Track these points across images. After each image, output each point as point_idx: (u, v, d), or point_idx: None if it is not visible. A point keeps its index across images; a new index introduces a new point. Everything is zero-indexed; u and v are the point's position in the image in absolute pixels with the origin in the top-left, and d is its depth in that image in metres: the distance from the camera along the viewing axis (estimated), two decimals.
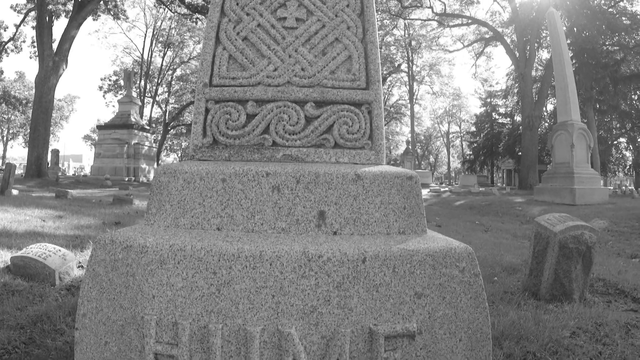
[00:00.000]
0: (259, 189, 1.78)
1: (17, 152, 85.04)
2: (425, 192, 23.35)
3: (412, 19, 40.48)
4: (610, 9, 31.03)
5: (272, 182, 1.78)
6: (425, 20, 39.90)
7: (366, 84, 2.08)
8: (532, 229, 3.52)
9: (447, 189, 26.15)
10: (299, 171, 1.79)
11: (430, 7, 34.99)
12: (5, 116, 59.09)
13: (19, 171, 52.12)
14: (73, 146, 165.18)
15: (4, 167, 55.82)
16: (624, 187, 47.98)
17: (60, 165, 45.65)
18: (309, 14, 2.17)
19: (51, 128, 34.68)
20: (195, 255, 1.55)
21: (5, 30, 35.81)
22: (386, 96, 56.06)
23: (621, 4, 31.64)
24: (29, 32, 34.41)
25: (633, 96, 36.22)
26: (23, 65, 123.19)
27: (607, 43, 32.30)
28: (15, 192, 12.12)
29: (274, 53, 2.09)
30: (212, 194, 1.79)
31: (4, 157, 64.90)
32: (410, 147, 41.96)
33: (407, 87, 52.47)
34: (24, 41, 35.26)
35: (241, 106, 2.01)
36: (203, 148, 2.00)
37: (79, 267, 4.10)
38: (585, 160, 15.22)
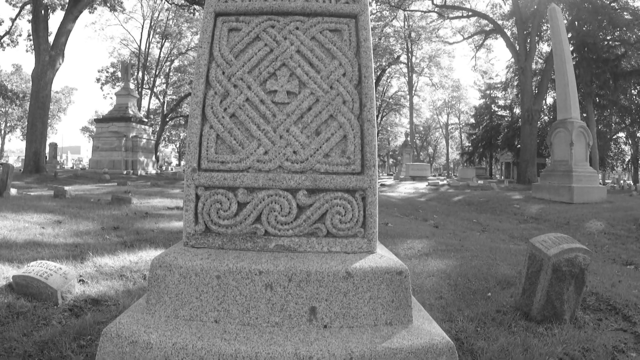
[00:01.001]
0: (252, 286, 1.82)
1: (15, 145, 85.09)
2: (423, 185, 23.43)
3: (412, 10, 40.16)
4: (612, 4, 30.84)
5: (265, 280, 1.81)
6: (425, 12, 39.59)
7: (361, 167, 2.00)
8: (527, 250, 3.54)
9: (445, 182, 26.17)
10: (290, 269, 1.81)
11: None
12: (2, 109, 58.87)
13: (17, 164, 52.16)
14: (71, 138, 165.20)
15: (1, 161, 55.91)
16: (622, 182, 48.18)
17: (58, 158, 45.63)
18: (302, 86, 2.06)
19: (49, 121, 34.54)
20: (196, 354, 1.62)
21: (0, 24, 35.59)
22: (385, 87, 55.93)
23: None
24: (25, 25, 34.07)
25: (633, 91, 36.13)
26: (20, 58, 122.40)
27: (608, 38, 32.15)
28: (13, 191, 12.09)
29: (264, 134, 2.00)
30: (207, 290, 1.83)
31: (1, 150, 64.82)
32: (408, 139, 41.88)
33: (406, 78, 52.19)
34: (20, 35, 34.98)
35: (232, 194, 1.97)
36: (196, 235, 1.99)
37: (80, 281, 4.12)
38: (584, 159, 15.20)
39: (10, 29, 33.18)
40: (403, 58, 48.73)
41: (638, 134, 41.92)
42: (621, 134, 44.42)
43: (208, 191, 1.99)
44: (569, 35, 26.34)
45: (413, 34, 44.90)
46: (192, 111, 2.03)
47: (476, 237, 8.00)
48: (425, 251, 5.39)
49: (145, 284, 4.05)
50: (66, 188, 14.56)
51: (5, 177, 11.56)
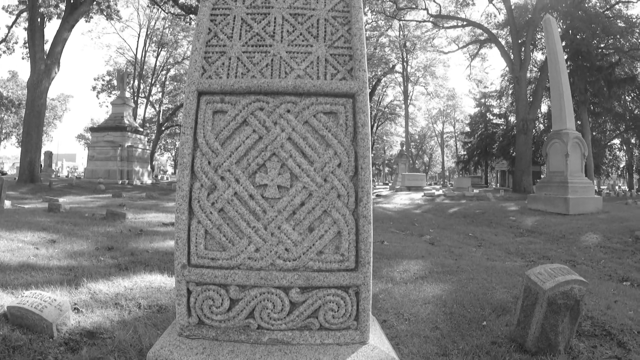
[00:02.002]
0: None
1: (10, 152, 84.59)
2: (419, 196, 23.42)
3: (407, 20, 40.40)
4: (606, 12, 31.15)
5: None
6: (420, 22, 39.85)
7: (355, 264, 1.93)
8: (522, 283, 3.54)
9: (441, 192, 26.18)
10: None
11: (425, 8, 34.96)
12: None
13: (12, 171, 52.02)
14: (67, 145, 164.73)
15: None
16: (617, 187, 48.42)
17: (53, 167, 45.49)
18: (294, 179, 1.93)
19: (44, 128, 34.48)
20: None
21: None
22: (380, 97, 56.03)
23: (616, 7, 31.75)
24: (21, 33, 34.14)
25: (627, 98, 36.42)
26: (16, 64, 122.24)
27: (602, 46, 32.44)
28: (7, 203, 12.04)
29: (254, 231, 1.91)
30: None
31: None
32: (404, 149, 41.97)
33: (402, 87, 52.40)
34: (16, 42, 34.99)
35: (224, 290, 1.92)
36: (190, 327, 1.94)
37: (74, 309, 4.09)
38: (579, 170, 15.26)
39: (7, 36, 33.19)
40: (398, 67, 48.93)
41: (632, 141, 42.20)
42: (616, 141, 44.69)
43: (199, 287, 1.93)
44: (563, 43, 26.50)
45: (408, 44, 45.11)
46: (179, 205, 1.94)
47: (472, 253, 7.99)
48: (421, 274, 5.38)
49: (140, 313, 4.02)
50: (60, 200, 14.54)
51: None
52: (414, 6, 35.71)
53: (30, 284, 4.60)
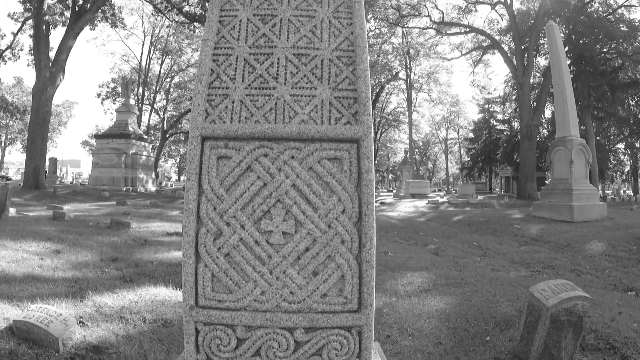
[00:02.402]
0: None
1: (15, 157, 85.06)
2: (423, 203, 23.36)
3: (410, 27, 40.50)
4: (608, 16, 31.14)
5: None
6: (423, 29, 39.95)
7: (358, 305, 1.96)
8: (526, 299, 3.55)
9: (445, 199, 26.12)
10: None
11: (428, 15, 35.01)
12: (3, 122, 59.14)
13: (17, 177, 52.29)
14: (71, 151, 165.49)
15: (1, 173, 55.65)
16: (622, 192, 48.22)
17: (58, 173, 45.67)
18: (298, 225, 1.94)
19: (49, 134, 34.65)
20: None
21: (2, 38, 35.92)
22: (384, 104, 56.01)
23: (619, 11, 31.76)
24: (26, 40, 34.49)
25: (630, 102, 36.35)
26: (21, 71, 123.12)
27: (604, 50, 32.45)
28: (12, 210, 12.10)
29: (260, 275, 1.94)
30: None
31: (1, 162, 64.98)
32: (408, 156, 41.84)
33: (405, 94, 52.37)
34: (21, 49, 35.34)
35: (231, 330, 1.95)
36: None
37: (79, 323, 4.11)
38: (583, 176, 15.22)
39: (12, 43, 33.50)
40: (402, 74, 48.89)
41: (637, 145, 42.05)
42: (620, 145, 44.55)
43: (207, 327, 1.96)
44: (566, 48, 26.50)
45: (411, 51, 45.09)
46: (185, 250, 1.95)
47: (476, 264, 7.98)
48: (425, 287, 5.38)
49: (145, 327, 4.03)
50: (65, 208, 14.62)
51: (3, 199, 11.57)
52: (416, 13, 35.78)
53: (36, 296, 4.62)
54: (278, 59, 2.11)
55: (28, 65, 32.59)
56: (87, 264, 6.31)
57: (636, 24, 31.01)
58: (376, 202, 26.70)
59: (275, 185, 1.95)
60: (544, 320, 3.24)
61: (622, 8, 31.70)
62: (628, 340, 4.07)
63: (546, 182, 37.22)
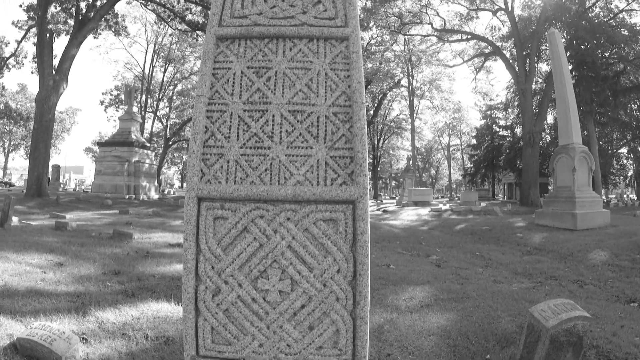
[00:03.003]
0: None
1: (19, 163, 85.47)
2: (426, 211, 23.31)
3: (412, 35, 40.63)
4: (610, 21, 31.18)
5: None
6: (425, 36, 40.10)
7: (352, 356, 1.99)
8: (527, 314, 3.54)
9: (447, 207, 26.06)
10: None
11: (430, 23, 35.15)
12: (6, 128, 59.52)
13: (20, 183, 52.51)
14: (74, 158, 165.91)
15: (5, 179, 55.86)
16: (625, 196, 48.04)
17: (61, 179, 45.85)
18: (294, 284, 1.97)
19: (52, 141, 34.81)
20: None
21: (6, 46, 36.21)
22: (386, 111, 56.07)
23: (620, 15, 31.78)
24: (30, 47, 34.82)
25: (633, 106, 36.31)
26: (26, 77, 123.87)
27: (606, 55, 32.46)
28: (15, 219, 12.15)
29: (257, 330, 1.98)
30: None
31: (5, 168, 65.30)
32: (410, 163, 41.79)
33: (407, 101, 52.44)
34: (25, 57, 35.63)
35: None
36: None
37: (82, 339, 4.12)
38: (586, 184, 15.19)
39: (16, 50, 33.79)
40: (404, 82, 49.01)
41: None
42: (623, 150, 44.48)
43: None
44: (568, 54, 26.52)
45: (413, 58, 45.22)
46: (185, 306, 1.99)
47: (479, 275, 7.96)
48: (426, 302, 5.37)
49: (147, 344, 4.04)
50: (67, 217, 14.67)
51: (6, 209, 11.62)
52: (418, 21, 35.89)
53: (39, 311, 4.64)
54: (273, 116, 2.10)
55: (32, 72, 32.85)
56: (89, 277, 6.32)
57: (637, 28, 31.01)
58: (379, 210, 26.84)
59: (272, 247, 1.97)
60: (543, 341, 3.24)
61: (623, 12, 31.74)
62: (629, 355, 4.06)
63: (549, 187, 37.17)
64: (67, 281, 6.09)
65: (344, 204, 2.00)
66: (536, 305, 3.53)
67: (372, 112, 50.28)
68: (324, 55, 2.19)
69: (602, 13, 32.33)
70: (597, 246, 11.07)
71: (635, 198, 42.86)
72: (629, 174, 47.48)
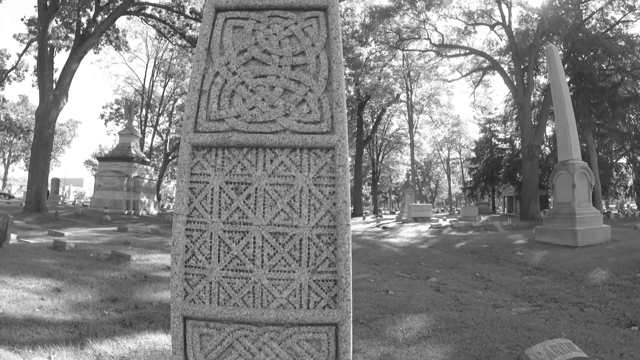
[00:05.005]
0: None
1: (18, 174, 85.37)
2: (425, 228, 23.26)
3: (410, 50, 40.95)
4: (607, 32, 31.36)
5: None
6: (423, 51, 40.34)
7: None
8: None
9: (447, 222, 25.99)
10: None
11: (428, 38, 35.35)
12: (7, 139, 59.70)
13: (20, 194, 52.48)
14: (74, 170, 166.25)
15: (4, 190, 55.83)
16: (625, 207, 47.98)
17: (61, 192, 45.81)
18: None
19: (52, 153, 34.81)
20: None
21: (7, 59, 36.41)
22: (385, 126, 56.20)
23: (617, 26, 31.97)
24: (31, 61, 34.95)
25: (631, 116, 36.44)
26: (27, 89, 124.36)
27: (604, 66, 32.64)
28: (13, 237, 12.13)
29: None
30: None
31: (4, 179, 65.35)
32: (410, 179, 41.78)
33: (406, 116, 52.52)
34: (26, 70, 35.80)
35: None
36: None
37: None
38: (586, 199, 15.15)
39: (17, 64, 33.90)
40: (403, 96, 49.11)
41: (639, 158, 42.02)
42: (622, 160, 44.55)
43: None
44: (565, 66, 26.62)
45: (412, 73, 45.43)
46: None
47: (478, 299, 7.92)
48: (424, 333, 5.33)
49: None
50: (65, 235, 14.66)
51: (4, 228, 11.58)
52: (416, 36, 36.11)
53: (37, 342, 4.61)
54: (254, 238, 2.05)
55: (33, 85, 33.04)
56: (87, 305, 6.29)
57: (634, 38, 31.19)
58: (378, 226, 26.78)
59: None
60: None
61: (620, 24, 31.91)
62: None
63: (549, 199, 37.16)
64: (65, 309, 6.05)
65: (327, 325, 2.00)
66: (532, 347, 3.52)
67: (371, 127, 50.39)
68: (308, 169, 2.09)
69: (598, 25, 32.55)
70: (597, 264, 11.02)
71: (636, 208, 42.85)
72: (629, 184, 47.45)
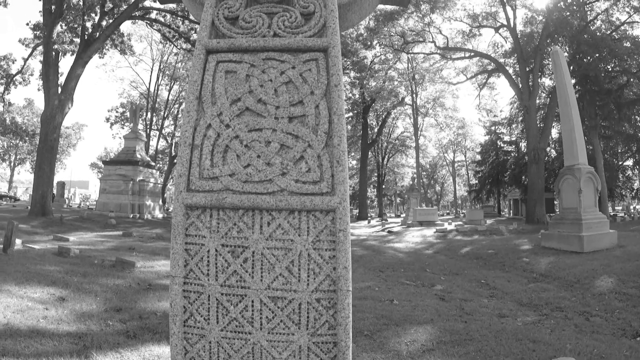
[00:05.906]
0: None
1: (24, 176, 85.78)
2: (431, 232, 23.18)
3: (415, 53, 40.88)
4: (612, 33, 31.19)
5: None
6: (428, 54, 40.29)
7: None
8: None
9: (453, 226, 25.90)
10: None
11: (433, 41, 35.32)
12: (13, 142, 60.09)
13: (25, 197, 52.75)
14: (80, 173, 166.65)
15: (10, 193, 56.15)
16: (632, 209, 47.65)
17: (66, 195, 46.03)
18: None
19: (58, 156, 34.95)
20: None
21: (13, 63, 36.60)
22: (391, 129, 56.18)
23: (622, 28, 31.79)
24: (36, 65, 35.09)
25: (637, 117, 36.18)
26: (32, 93, 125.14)
27: (609, 68, 32.43)
28: (18, 242, 12.19)
29: None
30: None
31: (10, 182, 65.74)
32: (415, 182, 41.56)
33: (411, 119, 52.35)
34: (31, 74, 35.98)
35: None
36: None
37: None
38: (593, 204, 15.02)
39: (22, 68, 34.08)
40: (408, 99, 49.06)
41: None
42: (628, 162, 44.25)
43: None
44: (571, 68, 26.44)
45: (417, 76, 45.38)
46: None
47: (483, 309, 7.87)
48: (428, 345, 5.29)
49: None
50: (70, 240, 14.74)
51: (9, 234, 11.64)
52: (421, 39, 36.10)
53: (41, 354, 4.61)
54: (252, 302, 2.02)
55: (38, 89, 33.16)
56: (91, 315, 6.29)
57: (638, 39, 30.98)
58: (384, 230, 26.72)
59: None
60: None
61: (625, 25, 31.67)
62: None
63: (555, 203, 36.93)
64: (69, 319, 6.05)
65: None
66: None
67: (376, 130, 50.33)
68: (307, 232, 2.01)
69: (603, 26, 32.33)
70: (604, 271, 10.93)
71: None
72: (635, 186, 47.15)
